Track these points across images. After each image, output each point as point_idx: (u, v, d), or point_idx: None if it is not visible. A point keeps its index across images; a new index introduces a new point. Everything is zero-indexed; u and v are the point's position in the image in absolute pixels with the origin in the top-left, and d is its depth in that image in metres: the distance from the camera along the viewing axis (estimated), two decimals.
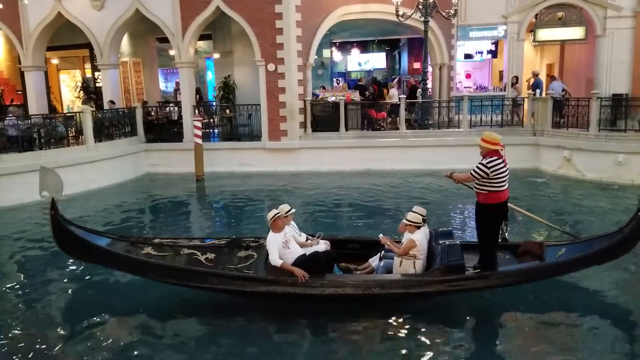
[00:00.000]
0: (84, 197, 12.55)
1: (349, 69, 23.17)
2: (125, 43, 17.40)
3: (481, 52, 19.32)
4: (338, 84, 19.17)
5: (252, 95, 15.19)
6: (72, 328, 6.17)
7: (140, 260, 6.23)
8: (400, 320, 5.96)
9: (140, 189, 13.68)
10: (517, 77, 16.88)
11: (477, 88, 19.48)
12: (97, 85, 17.58)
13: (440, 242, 6.04)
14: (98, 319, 6.23)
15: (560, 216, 10.19)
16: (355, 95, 16.13)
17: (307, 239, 6.58)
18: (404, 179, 13.59)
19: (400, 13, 14.24)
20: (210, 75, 19.42)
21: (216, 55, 17.46)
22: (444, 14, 14.55)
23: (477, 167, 5.67)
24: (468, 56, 19.25)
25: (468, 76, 20.00)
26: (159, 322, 6.08)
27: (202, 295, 6.36)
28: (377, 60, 22.85)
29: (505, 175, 5.72)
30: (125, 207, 12.08)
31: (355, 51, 22.63)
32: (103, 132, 14.18)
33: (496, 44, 19.10)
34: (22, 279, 7.86)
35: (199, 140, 13.99)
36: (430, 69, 18.05)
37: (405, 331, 5.80)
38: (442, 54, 18.30)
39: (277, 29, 14.11)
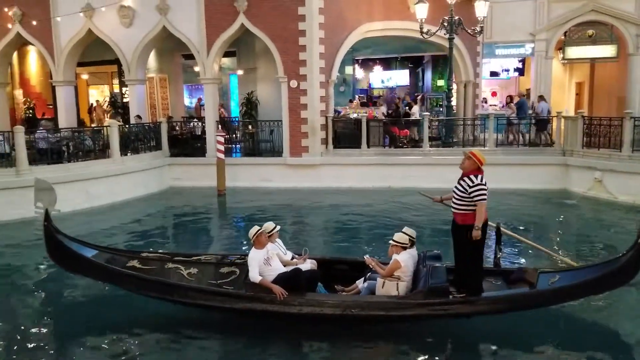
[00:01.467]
0: (110, 209, 12.78)
1: (371, 86, 23.14)
2: (152, 59, 17.78)
3: (508, 70, 19.10)
4: (359, 101, 19.16)
5: (274, 112, 15.30)
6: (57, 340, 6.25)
7: (123, 273, 6.26)
8: (381, 345, 5.74)
9: (163, 202, 13.84)
10: (511, 97, 16.63)
11: (503, 106, 19.21)
12: (125, 100, 17.96)
13: (427, 264, 5.83)
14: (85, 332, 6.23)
15: (589, 240, 9.87)
16: (378, 112, 16.06)
17: (292, 258, 6.46)
18: (426, 198, 13.33)
19: (425, 30, 14.19)
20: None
21: (240, 72, 17.69)
22: (469, 31, 14.43)
23: (475, 191, 5.47)
24: (494, 74, 19.04)
25: (494, 94, 19.77)
26: (140, 337, 6.06)
27: (186, 312, 6.29)
28: (400, 77, 22.76)
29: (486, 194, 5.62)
30: (148, 219, 12.24)
31: (377, 68, 22.61)
32: (129, 145, 14.44)
33: (523, 61, 18.85)
34: (45, 284, 8.01)
35: (221, 155, 14.11)
36: (454, 86, 17.90)
37: (384, 358, 5.58)
38: (467, 72, 18.15)
39: (300, 45, 14.23)
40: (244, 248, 9.70)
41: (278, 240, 6.52)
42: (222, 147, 14.14)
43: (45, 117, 17.99)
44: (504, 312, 5.75)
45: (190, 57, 16.10)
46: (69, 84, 16.65)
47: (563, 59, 18.28)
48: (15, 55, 17.95)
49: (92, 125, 17.52)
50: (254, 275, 5.77)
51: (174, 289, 6.02)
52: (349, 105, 17.08)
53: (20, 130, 12.02)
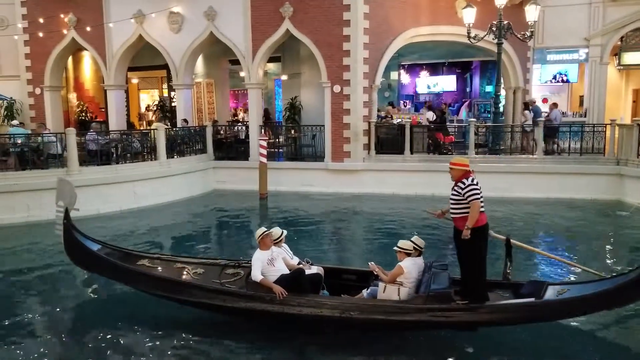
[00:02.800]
0: (155, 209, 13.08)
1: (417, 92, 22.80)
2: (199, 64, 18.16)
3: (560, 76, 18.39)
4: (405, 106, 18.90)
5: (317, 116, 15.30)
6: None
7: (132, 270, 6.41)
8: (382, 354, 5.57)
9: (207, 205, 14.03)
10: (526, 104, 16.08)
11: (547, 115, 18.49)
12: (173, 104, 18.40)
13: (432, 272, 5.74)
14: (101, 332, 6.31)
15: None
16: (422, 118, 15.78)
17: (299, 263, 6.47)
18: None
19: (472, 35, 13.87)
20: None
21: (284, 77, 17.81)
22: (519, 36, 13.98)
23: (468, 191, 5.49)
24: (545, 80, 18.38)
25: (545, 101, 19.05)
26: (144, 338, 6.12)
27: (193, 315, 6.37)
28: (446, 83, 22.31)
29: (482, 197, 5.59)
30: (191, 221, 12.45)
31: (424, 73, 22.26)
32: (175, 148, 14.75)
33: (577, 67, 18.11)
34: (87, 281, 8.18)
35: (264, 159, 14.20)
36: (503, 92, 17.39)
37: None
38: (516, 77, 17.60)
39: (344, 50, 14.19)
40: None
41: (285, 245, 6.60)
42: (264, 151, 14.23)
43: (97, 119, 18.64)
44: (508, 323, 5.58)
45: (236, 62, 16.34)
46: (120, 88, 17.23)
47: (619, 65, 17.47)
48: (70, 60, 18.74)
49: (140, 128, 18.02)
50: (256, 274, 5.86)
51: (178, 287, 6.15)
52: (387, 108, 16.84)
53: (71, 132, 12.50)
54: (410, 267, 5.77)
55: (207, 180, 15.39)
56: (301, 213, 12.83)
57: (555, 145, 14.48)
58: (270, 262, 5.99)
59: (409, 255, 5.91)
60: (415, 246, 5.98)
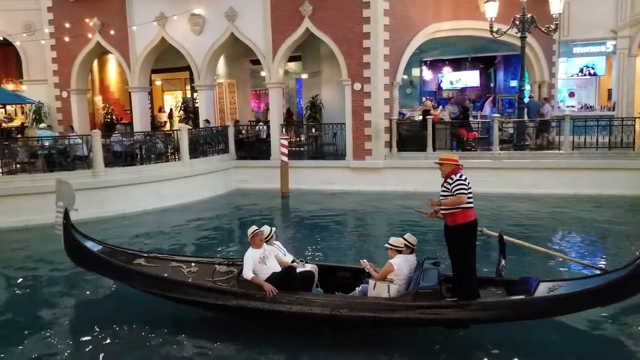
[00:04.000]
0: (179, 209, 13.24)
1: (440, 88, 22.54)
2: (221, 65, 18.32)
3: (587, 69, 17.93)
4: (425, 101, 18.65)
5: (338, 115, 15.27)
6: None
7: (126, 268, 6.54)
8: (374, 353, 5.56)
9: (229, 204, 14.14)
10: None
11: (581, 107, 18.07)
12: (195, 105, 18.60)
13: (423, 269, 5.73)
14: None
15: None
16: (444, 114, 15.58)
17: (293, 261, 6.48)
18: (496, 203, 12.82)
19: (495, 29, 13.65)
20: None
21: (304, 76, 17.83)
22: (543, 29, 13.69)
23: (455, 186, 5.48)
24: (572, 74, 17.95)
25: (571, 95, 18.61)
26: (149, 337, 6.17)
27: (187, 314, 6.46)
28: (470, 79, 21.98)
29: (471, 193, 5.56)
30: (214, 220, 12.55)
31: (447, 69, 21.98)
32: (198, 149, 14.91)
33: (604, 60, 17.62)
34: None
35: (285, 158, 14.25)
36: (528, 87, 17.05)
37: None
38: (541, 71, 17.25)
39: (364, 48, 14.12)
40: (304, 249, 9.73)
41: (277, 242, 6.66)
42: (285, 150, 14.27)
43: (122, 121, 18.98)
44: (498, 320, 5.53)
45: (257, 62, 16.41)
46: (144, 90, 17.49)
47: None
48: (95, 63, 19.13)
49: (163, 129, 18.27)
50: (247, 272, 5.91)
51: (171, 285, 6.24)
52: (426, 103, 16.66)
53: (97, 134, 12.74)
54: (400, 264, 5.77)
55: (230, 179, 15.51)
56: (323, 211, 12.81)
57: (546, 140, 14.54)
58: (262, 261, 6.03)
59: (400, 252, 5.90)
60: (407, 243, 5.96)
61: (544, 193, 13.15)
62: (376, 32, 14.00)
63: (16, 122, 20.17)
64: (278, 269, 6.06)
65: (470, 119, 16.17)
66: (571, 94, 18.56)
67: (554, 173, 13.39)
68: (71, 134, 13.80)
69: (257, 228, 6.26)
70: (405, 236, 6.04)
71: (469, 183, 5.55)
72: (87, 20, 16.58)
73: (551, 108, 15.45)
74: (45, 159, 12.50)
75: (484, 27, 14.30)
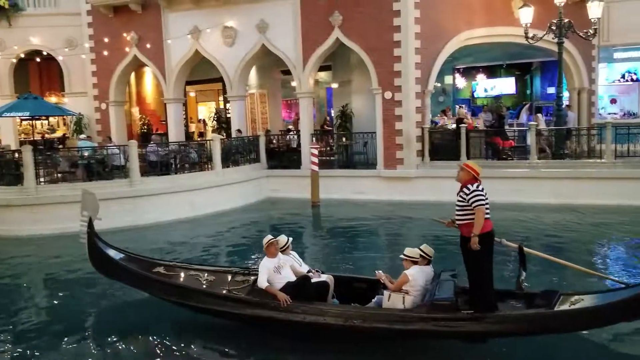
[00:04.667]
0: (211, 218, 13.38)
1: (473, 96, 22.18)
2: (252, 76, 18.56)
3: (629, 75, 17.30)
4: (459, 109, 18.36)
5: (369, 123, 15.20)
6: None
7: (146, 276, 6.63)
8: None
9: (261, 213, 14.25)
10: (538, 107, 15.88)
11: (624, 114, 17.42)
12: (228, 115, 18.88)
13: (439, 280, 5.63)
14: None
15: None
16: (478, 122, 15.29)
17: (309, 271, 6.46)
18: (534, 214, 12.46)
19: (530, 35, 13.34)
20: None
21: (335, 85, 17.86)
22: (581, 34, 13.29)
23: (473, 197, 5.36)
24: (613, 79, 17.36)
25: (613, 101, 17.99)
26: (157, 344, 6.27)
27: (205, 322, 6.51)
28: (505, 86, 21.53)
29: (488, 204, 5.45)
30: (245, 229, 12.66)
31: (480, 77, 21.60)
32: (230, 158, 15.09)
33: None
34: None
35: (316, 168, 14.26)
36: (567, 93, 16.57)
37: None
38: (580, 78, 16.72)
39: (395, 56, 14.04)
40: (333, 259, 9.67)
41: (292, 252, 6.64)
42: (316, 160, 14.28)
43: (158, 132, 19.43)
44: (516, 334, 5.36)
45: (288, 72, 16.54)
46: (178, 101, 17.88)
47: None
48: (132, 76, 19.67)
49: (197, 139, 18.59)
50: (262, 282, 5.92)
51: (188, 293, 6.33)
52: (441, 115, 16.46)
53: (133, 144, 13.08)
54: (415, 275, 5.67)
55: (261, 188, 15.63)
56: (354, 221, 12.73)
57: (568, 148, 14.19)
58: (277, 270, 6.04)
59: (415, 263, 5.82)
60: (424, 254, 5.88)
61: (584, 204, 12.64)
62: (407, 40, 13.91)
63: (58, 133, 20.97)
64: (293, 278, 6.06)
65: (506, 127, 15.82)
66: (613, 101, 17.94)
67: (594, 183, 12.87)
68: (109, 145, 14.21)
69: (272, 237, 6.30)
70: (421, 247, 5.97)
71: (485, 193, 5.44)
72: (125, 34, 17.12)
73: (574, 115, 15.16)
74: (85, 168, 12.91)
75: (519, 34, 14.01)
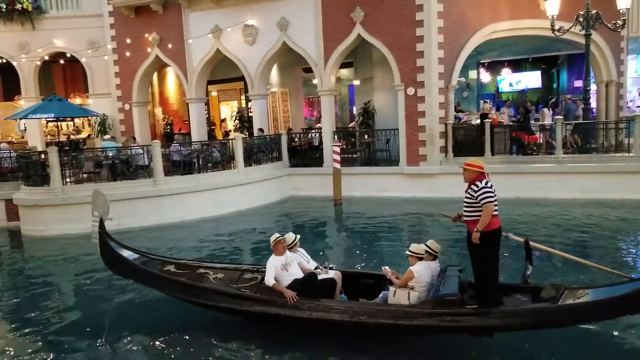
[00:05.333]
0: (235, 216, 13.46)
1: (498, 90, 21.81)
2: (274, 74, 18.55)
3: None
4: (484, 104, 18.09)
5: (391, 120, 15.04)
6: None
7: (156, 275, 6.73)
8: (393, 356, 5.58)
9: (283, 211, 14.23)
10: (546, 102, 15.07)
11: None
12: (250, 114, 18.92)
13: (444, 276, 5.72)
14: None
15: None
16: (503, 117, 15.01)
17: (316, 268, 6.53)
18: (560, 209, 12.22)
19: (557, 27, 13.02)
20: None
21: (356, 82, 17.73)
22: (609, 25, 12.92)
23: (481, 194, 5.36)
24: None
25: None
26: (171, 341, 6.39)
27: (215, 318, 6.64)
28: (530, 80, 21.14)
29: (497, 200, 5.45)
30: (268, 228, 12.56)
31: (505, 71, 21.23)
32: (252, 157, 15.11)
33: None
34: None
35: (338, 165, 14.17)
36: (594, 86, 16.16)
37: None
38: (608, 70, 16.28)
39: (417, 52, 13.86)
40: (354, 257, 9.59)
41: (300, 249, 6.73)
42: (338, 157, 14.20)
43: (181, 132, 19.57)
44: (521, 328, 5.44)
45: (310, 70, 16.49)
46: (200, 101, 17.97)
47: None
48: (155, 76, 19.87)
49: (220, 139, 18.67)
50: (269, 279, 6.01)
51: (197, 291, 6.42)
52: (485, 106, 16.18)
53: (157, 144, 13.18)
54: (421, 272, 5.73)
55: (283, 187, 15.62)
56: (376, 218, 12.62)
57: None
58: (284, 267, 6.13)
59: (421, 259, 5.89)
60: (430, 250, 5.94)
61: (611, 198, 12.40)
62: (430, 35, 13.71)
63: (84, 134, 21.30)
64: (300, 275, 6.14)
65: (532, 121, 15.51)
66: None
67: (623, 177, 12.62)
68: (133, 145, 14.36)
69: (279, 235, 6.37)
70: (427, 242, 6.03)
71: (494, 190, 5.44)
72: (146, 35, 17.27)
73: (576, 107, 14.94)
74: (110, 168, 13.05)
75: (545, 26, 13.70)
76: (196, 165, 14.02)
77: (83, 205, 11.99)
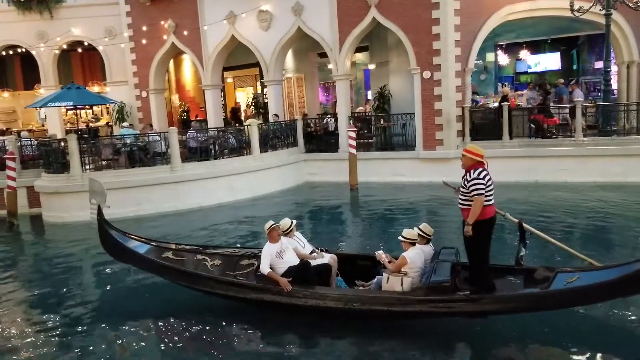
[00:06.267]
0: (251, 202, 13.56)
1: (516, 72, 21.40)
2: (289, 60, 18.49)
3: None
4: (503, 88, 17.82)
5: (407, 104, 14.93)
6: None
7: (155, 262, 6.83)
8: (389, 341, 5.69)
9: (298, 197, 14.29)
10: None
11: None
12: (265, 100, 18.94)
13: (437, 261, 5.78)
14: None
15: None
16: (521, 100, 14.78)
17: (312, 252, 6.60)
18: (580, 193, 12.08)
19: (576, 7, 12.75)
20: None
21: (372, 66, 17.58)
22: (630, 4, 12.60)
23: (472, 184, 5.35)
24: None
25: None
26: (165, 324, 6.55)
27: (212, 302, 6.73)
28: (549, 62, 20.67)
29: (492, 189, 5.47)
30: (284, 213, 12.58)
31: (524, 52, 20.80)
32: (268, 143, 15.16)
33: None
34: None
35: (353, 151, 14.15)
36: (615, 67, 15.76)
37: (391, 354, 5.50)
38: (630, 51, 15.79)
39: (433, 34, 13.68)
40: (370, 242, 9.60)
41: (297, 234, 6.78)
42: (354, 143, 14.16)
43: (198, 118, 19.69)
44: (512, 312, 5.54)
45: (325, 55, 16.39)
46: (216, 88, 18.04)
47: None
48: (171, 63, 19.98)
49: (237, 125, 18.74)
50: (264, 268, 6.10)
51: (194, 278, 6.53)
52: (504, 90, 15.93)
53: (173, 131, 13.29)
54: (414, 257, 5.79)
55: (299, 172, 15.66)
56: (392, 203, 12.60)
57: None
58: (279, 255, 6.20)
59: (413, 244, 5.93)
60: (423, 234, 6.00)
61: (633, 182, 12.23)
62: (446, 17, 13.51)
63: (102, 122, 21.57)
64: (296, 261, 6.21)
65: (551, 104, 15.25)
66: None
67: None
68: (150, 132, 14.50)
69: (273, 223, 6.41)
70: (420, 226, 6.08)
71: (488, 180, 5.39)
72: (162, 22, 17.33)
73: (582, 93, 14.66)
74: (128, 155, 13.22)
75: (564, 6, 13.37)
76: (212, 151, 14.12)
77: None
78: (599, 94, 16.15)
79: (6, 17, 18.21)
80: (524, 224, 5.96)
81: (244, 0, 16.01)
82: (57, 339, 6.39)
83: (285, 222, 6.67)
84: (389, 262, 5.99)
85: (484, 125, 14.33)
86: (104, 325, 6.71)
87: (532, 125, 14.10)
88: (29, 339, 6.41)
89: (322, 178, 15.44)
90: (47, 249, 11.10)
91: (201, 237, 10.38)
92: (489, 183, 5.41)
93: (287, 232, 6.58)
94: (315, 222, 12.24)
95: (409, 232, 5.98)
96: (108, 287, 8.23)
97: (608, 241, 9.03)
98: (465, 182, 5.44)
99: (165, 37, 17.50)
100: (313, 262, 6.26)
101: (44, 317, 7.09)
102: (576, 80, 19.06)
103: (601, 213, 10.56)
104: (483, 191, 5.32)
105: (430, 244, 6.11)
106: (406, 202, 12.66)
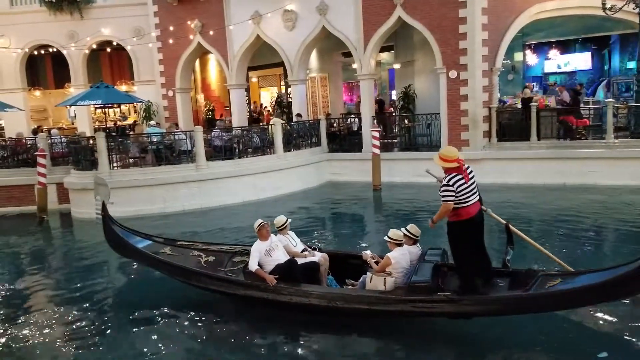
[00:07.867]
0: (274, 201, 13.59)
1: (545, 73, 20.97)
2: (313, 59, 18.48)
3: None
4: (525, 89, 17.49)
5: (432, 104, 14.77)
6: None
7: (153, 257, 7.06)
8: (375, 340, 5.80)
9: (321, 196, 14.28)
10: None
11: None
12: (289, 99, 18.99)
13: (418, 263, 5.83)
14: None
15: None
16: (550, 101, 14.48)
17: (303, 250, 6.68)
18: (610, 196, 11.77)
19: (608, 6, 12.44)
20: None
21: (397, 66, 17.46)
22: None
23: (442, 193, 5.42)
24: None
25: None
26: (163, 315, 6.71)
27: (202, 296, 6.94)
28: (579, 61, 20.20)
29: (470, 190, 5.47)
30: (306, 212, 12.72)
31: (553, 52, 20.36)
32: (291, 142, 15.19)
33: None
34: None
35: (377, 151, 14.07)
36: None
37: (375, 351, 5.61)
38: None
39: (460, 34, 13.51)
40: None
41: (290, 232, 6.88)
42: (377, 143, 14.07)
43: (222, 117, 19.83)
44: (493, 315, 5.59)
45: (349, 55, 16.34)
46: (241, 87, 18.16)
47: None
48: (197, 63, 20.18)
49: (261, 124, 18.84)
50: (252, 265, 6.25)
51: (188, 274, 6.77)
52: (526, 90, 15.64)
53: (199, 129, 13.42)
54: (398, 258, 5.82)
55: (322, 172, 15.65)
56: (416, 204, 12.48)
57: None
58: (268, 253, 6.32)
59: (399, 245, 5.94)
60: (409, 234, 6.01)
61: None
62: (473, 16, 13.32)
63: (130, 120, 21.94)
64: (284, 259, 6.31)
65: (581, 104, 14.90)
66: None
67: None
68: (176, 130, 14.68)
69: (262, 221, 6.52)
70: (407, 227, 6.10)
71: (459, 185, 5.38)
72: (188, 22, 17.53)
73: (568, 95, 14.29)
74: (154, 154, 13.41)
75: (595, 5, 13.07)
76: (237, 150, 14.21)
77: (129, 189, 12.53)
78: (631, 95, 15.75)
79: (38, 18, 18.70)
80: (510, 226, 5.97)
81: (269, 0, 16.08)
82: (84, 329, 6.53)
83: (280, 219, 6.77)
84: (375, 262, 6.07)
85: (510, 126, 14.10)
86: (126, 317, 6.83)
87: (561, 126, 13.81)
88: (54, 330, 6.58)
89: (345, 178, 15.40)
90: (74, 244, 11.38)
91: (223, 235, 10.45)
92: (461, 188, 5.39)
93: (281, 229, 6.71)
94: (338, 221, 12.21)
95: (394, 233, 6.02)
96: (132, 281, 8.41)
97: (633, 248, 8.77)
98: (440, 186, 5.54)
99: (191, 37, 17.70)
100: (302, 261, 6.36)
101: (70, 308, 7.24)
102: (607, 80, 18.63)
103: (627, 216, 10.26)
104: (451, 198, 5.36)
105: (418, 244, 6.14)
106: (429, 203, 12.47)
